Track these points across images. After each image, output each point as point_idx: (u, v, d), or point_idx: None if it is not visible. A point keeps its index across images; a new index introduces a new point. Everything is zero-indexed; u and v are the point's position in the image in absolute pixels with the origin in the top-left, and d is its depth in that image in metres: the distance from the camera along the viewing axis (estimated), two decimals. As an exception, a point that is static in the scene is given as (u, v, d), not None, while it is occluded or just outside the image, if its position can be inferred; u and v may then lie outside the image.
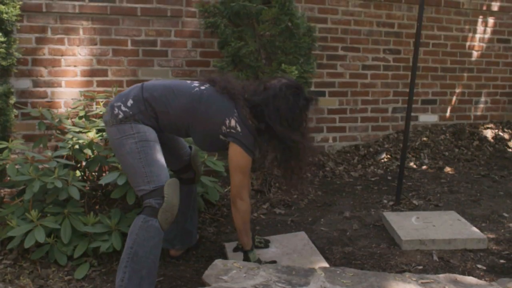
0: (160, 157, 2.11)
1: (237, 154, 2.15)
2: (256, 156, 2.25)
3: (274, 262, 2.38)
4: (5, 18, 3.34)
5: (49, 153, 2.89)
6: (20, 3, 3.56)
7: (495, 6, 5.17)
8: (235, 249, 2.59)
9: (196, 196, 2.70)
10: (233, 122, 2.13)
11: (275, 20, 3.51)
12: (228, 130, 2.15)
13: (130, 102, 2.15)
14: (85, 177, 3.11)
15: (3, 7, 3.31)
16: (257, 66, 3.58)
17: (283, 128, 2.16)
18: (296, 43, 3.54)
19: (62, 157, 2.98)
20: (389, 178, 4.16)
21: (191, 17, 4.01)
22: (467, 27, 5.08)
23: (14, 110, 3.51)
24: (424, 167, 4.42)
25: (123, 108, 2.14)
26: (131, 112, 2.13)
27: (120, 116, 2.12)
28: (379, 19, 4.68)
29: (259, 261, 2.30)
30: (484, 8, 5.14)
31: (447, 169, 4.38)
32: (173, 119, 2.17)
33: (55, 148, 3.20)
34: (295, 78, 3.54)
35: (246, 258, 2.31)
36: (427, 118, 5.04)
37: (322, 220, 3.23)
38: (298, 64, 3.52)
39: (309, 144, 2.30)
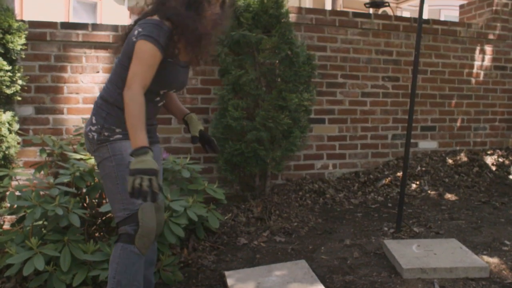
0: None
1: (140, 44, 1.90)
2: (163, 45, 1.93)
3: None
4: (11, 48, 3.41)
5: (51, 180, 2.91)
6: (26, 32, 3.63)
7: (491, 35, 5.26)
8: None
9: (156, 244, 2.42)
10: (139, 28, 1.95)
11: (275, 49, 3.57)
12: (136, 34, 1.95)
13: (93, 119, 2.08)
14: (85, 204, 3.12)
15: (9, 36, 3.38)
16: (257, 94, 3.62)
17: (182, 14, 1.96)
18: (296, 72, 3.60)
19: (63, 184, 3.00)
20: (390, 205, 4.15)
21: (192, 46, 4.06)
22: (464, 54, 5.15)
23: (16, 137, 3.54)
24: (424, 193, 4.42)
25: (92, 128, 2.06)
26: (99, 126, 2.04)
27: (95, 138, 2.04)
28: (377, 47, 4.75)
29: (141, 171, 1.75)
30: (481, 36, 5.22)
31: (448, 195, 4.37)
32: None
33: (56, 175, 3.21)
34: (294, 106, 3.59)
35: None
36: (427, 144, 5.06)
37: (322, 248, 3.22)
38: (298, 92, 3.56)
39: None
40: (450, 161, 4.96)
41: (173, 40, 1.96)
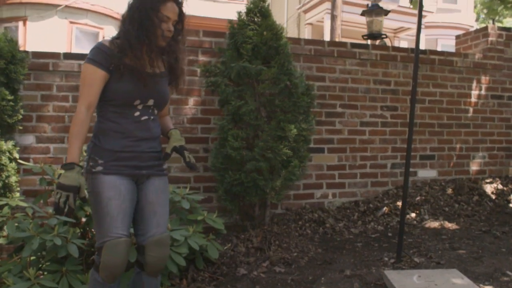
0: (112, 212, 2.02)
1: (82, 68, 2.10)
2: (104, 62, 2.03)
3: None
4: (14, 77, 3.46)
5: (50, 210, 2.90)
6: (29, 62, 3.69)
7: (487, 65, 5.34)
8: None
9: (160, 277, 2.31)
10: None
11: (274, 79, 3.62)
12: None
13: (87, 149, 2.17)
14: (84, 234, 3.10)
15: (12, 66, 3.43)
16: (257, 124, 3.65)
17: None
18: (295, 102, 3.63)
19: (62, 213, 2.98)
20: (390, 234, 4.13)
21: (192, 76, 4.12)
22: (461, 84, 5.22)
23: (17, 166, 3.55)
24: (424, 223, 4.40)
25: (84, 158, 2.15)
26: (87, 156, 2.11)
27: (84, 167, 2.10)
28: (375, 77, 4.81)
29: (65, 188, 1.86)
30: (477, 66, 5.29)
31: (448, 225, 4.36)
32: None
33: (55, 204, 3.21)
34: (294, 137, 3.62)
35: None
36: (426, 173, 5.07)
37: (322, 278, 3.19)
38: (297, 122, 3.59)
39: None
40: (449, 189, 4.96)
41: (125, 53, 2.05)
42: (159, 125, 2.28)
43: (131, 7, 2.10)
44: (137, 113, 2.12)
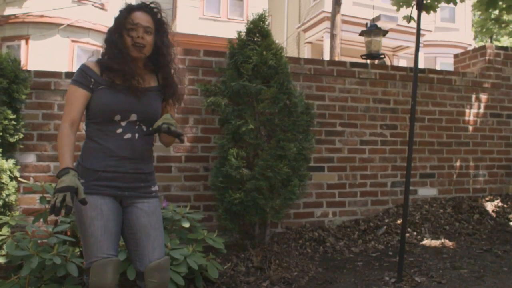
0: (96, 232, 2.01)
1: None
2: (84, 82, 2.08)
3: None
4: (16, 97, 3.48)
5: (49, 229, 2.90)
6: (31, 82, 3.72)
7: (486, 83, 5.38)
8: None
9: None
10: None
11: (274, 99, 3.65)
12: None
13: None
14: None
15: (15, 86, 3.46)
16: (257, 143, 3.66)
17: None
18: (294, 121, 3.65)
19: (61, 232, 2.99)
20: (390, 253, 4.12)
21: (193, 95, 4.15)
22: (460, 102, 5.25)
23: (17, 185, 3.55)
24: (425, 241, 4.39)
25: None
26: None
27: None
28: (375, 95, 4.85)
29: (61, 189, 1.83)
30: (476, 85, 5.33)
31: (449, 243, 4.34)
32: None
33: (55, 223, 3.21)
34: (293, 156, 3.62)
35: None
36: (426, 191, 5.07)
37: (323, 298, 3.17)
38: (297, 141, 3.61)
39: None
40: (450, 208, 4.95)
41: (104, 71, 2.11)
42: (150, 145, 2.21)
43: (108, 30, 2.19)
44: (119, 130, 2.08)
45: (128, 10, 2.14)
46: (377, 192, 4.80)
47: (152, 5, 2.18)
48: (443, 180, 5.13)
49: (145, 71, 2.19)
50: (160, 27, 2.19)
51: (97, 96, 2.08)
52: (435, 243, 4.36)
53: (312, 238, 4.25)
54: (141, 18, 2.12)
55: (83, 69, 2.12)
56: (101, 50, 2.18)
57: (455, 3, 4.95)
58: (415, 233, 4.53)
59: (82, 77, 2.09)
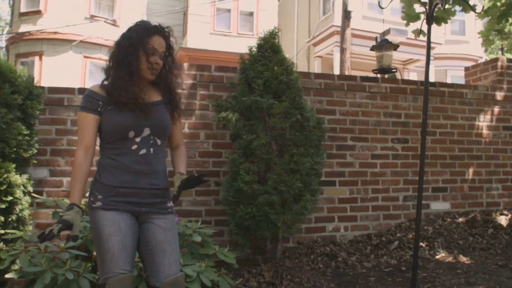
0: (113, 248, 2.03)
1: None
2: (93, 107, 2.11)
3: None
4: (30, 113, 3.53)
5: (61, 244, 2.92)
6: (45, 98, 3.77)
7: (498, 96, 5.35)
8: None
9: None
10: None
11: (285, 113, 3.66)
12: None
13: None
14: (96, 268, 3.10)
15: (29, 102, 3.51)
16: (268, 158, 3.67)
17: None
18: (306, 136, 3.66)
19: (74, 247, 3.00)
20: (403, 268, 4.07)
21: (204, 110, 4.18)
22: (472, 116, 5.22)
23: (30, 199, 3.58)
24: (438, 256, 4.34)
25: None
26: (89, 191, 2.14)
27: (87, 201, 2.14)
28: (386, 109, 4.84)
29: (58, 221, 1.95)
30: (488, 97, 5.30)
31: (463, 258, 4.29)
32: None
33: (67, 238, 3.22)
34: (306, 170, 3.62)
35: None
36: (439, 206, 5.02)
37: (335, 314, 3.14)
38: (309, 155, 3.61)
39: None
40: (463, 222, 4.89)
41: (112, 94, 2.12)
42: (164, 159, 2.24)
43: (114, 45, 2.19)
44: (134, 147, 2.11)
45: (148, 34, 2.15)
46: (389, 206, 4.77)
47: (166, 29, 2.22)
48: (456, 194, 5.09)
49: (148, 86, 2.22)
50: (169, 49, 2.23)
51: (107, 116, 2.11)
52: (449, 258, 4.30)
53: (324, 253, 4.22)
54: (160, 43, 2.16)
55: (89, 94, 2.15)
56: (106, 64, 2.20)
57: (472, 9, 4.75)
58: (428, 248, 4.47)
59: (89, 102, 2.13)
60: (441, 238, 4.60)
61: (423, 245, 4.48)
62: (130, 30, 2.18)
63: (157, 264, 2.11)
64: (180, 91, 2.35)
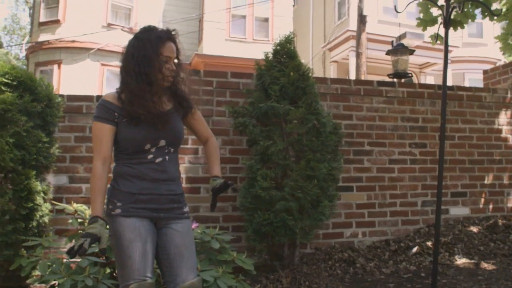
0: (134, 254, 2.04)
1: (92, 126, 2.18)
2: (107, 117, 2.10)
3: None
4: (49, 120, 3.58)
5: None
6: (64, 105, 3.83)
7: (517, 99, 5.27)
8: None
9: None
10: None
11: (302, 119, 3.65)
12: None
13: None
14: (115, 274, 3.12)
15: (48, 110, 3.56)
16: (285, 164, 3.66)
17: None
18: (323, 141, 3.65)
19: (93, 254, 3.03)
20: (423, 275, 4.02)
21: (220, 116, 4.19)
22: (491, 119, 5.14)
23: (50, 206, 3.63)
24: (458, 262, 4.27)
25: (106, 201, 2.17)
26: (107, 199, 2.14)
27: (105, 209, 2.12)
28: (403, 114, 4.80)
29: (85, 235, 1.94)
30: (507, 101, 5.22)
31: (484, 265, 4.21)
32: None
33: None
34: (323, 176, 3.61)
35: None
36: (458, 211, 4.95)
37: (354, 321, 3.11)
38: (326, 161, 3.60)
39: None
40: (484, 228, 4.81)
41: (131, 105, 2.09)
42: (178, 165, 2.26)
43: (127, 56, 2.17)
44: (150, 156, 2.12)
45: (161, 42, 2.14)
46: (407, 211, 4.72)
47: (173, 33, 2.21)
48: (476, 199, 5.01)
49: (162, 92, 2.22)
50: (178, 53, 2.23)
51: (123, 129, 2.11)
52: (469, 264, 4.23)
53: (341, 259, 4.19)
54: (172, 49, 2.16)
55: (104, 104, 2.13)
56: (121, 75, 2.17)
57: (493, 14, 4.59)
58: (447, 253, 4.41)
59: (105, 112, 2.11)
60: (461, 244, 4.54)
61: (443, 251, 4.42)
62: (139, 39, 2.15)
63: (175, 269, 2.12)
64: (193, 97, 2.32)
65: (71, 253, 1.87)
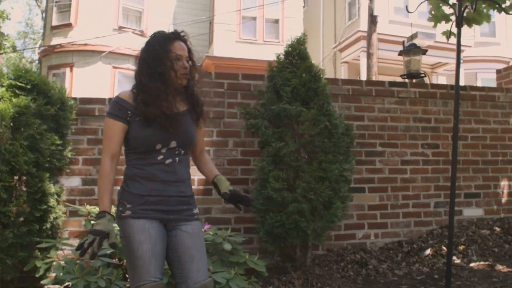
0: (144, 255, 2.05)
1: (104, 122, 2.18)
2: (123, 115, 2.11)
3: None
4: (63, 123, 3.62)
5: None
6: (77, 108, 3.86)
7: (532, 99, 5.20)
8: None
9: None
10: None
11: (314, 121, 3.64)
12: None
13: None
14: (127, 275, 3.14)
15: (61, 113, 3.60)
16: (297, 165, 3.66)
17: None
18: (335, 142, 3.64)
19: (106, 255, 3.05)
20: (436, 276, 3.98)
21: (232, 118, 4.20)
22: (505, 119, 5.09)
23: (63, 208, 3.67)
24: (472, 264, 4.23)
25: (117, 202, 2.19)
26: (118, 201, 2.16)
27: (115, 211, 2.15)
28: (415, 114, 4.77)
29: (93, 232, 1.96)
30: (521, 100, 5.17)
31: (499, 267, 4.16)
32: None
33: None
34: (335, 177, 3.60)
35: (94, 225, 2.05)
36: (472, 212, 4.90)
37: (367, 323, 3.09)
38: (338, 162, 3.58)
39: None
40: (498, 229, 4.76)
41: (147, 105, 2.10)
42: (188, 167, 2.26)
43: (139, 62, 2.18)
44: (160, 157, 2.13)
45: (169, 41, 2.16)
46: (420, 213, 4.68)
47: (182, 34, 2.23)
48: (490, 200, 4.96)
49: (177, 93, 2.23)
50: (190, 53, 2.24)
51: (135, 128, 2.12)
52: (484, 266, 4.19)
53: (354, 261, 4.17)
54: (181, 47, 2.18)
55: (118, 102, 2.14)
56: (136, 81, 2.17)
57: (505, 11, 4.55)
58: (461, 255, 4.37)
59: (118, 109, 2.13)
60: (475, 245, 4.49)
61: (456, 252, 4.38)
62: (149, 43, 2.19)
63: (186, 271, 2.13)
64: (205, 99, 2.33)
65: (82, 249, 1.90)
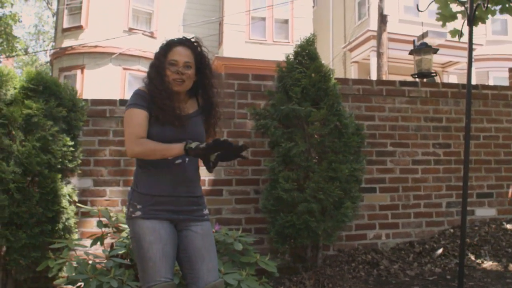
0: (155, 256, 2.06)
1: (125, 114, 2.17)
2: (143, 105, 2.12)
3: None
4: (74, 124, 3.64)
5: (106, 252, 2.99)
6: (88, 110, 3.89)
7: (545, 97, 5.14)
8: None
9: None
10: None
11: (324, 121, 3.64)
12: None
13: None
14: (139, 276, 3.15)
15: (73, 114, 3.63)
16: (307, 165, 3.65)
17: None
18: (345, 142, 3.63)
19: (117, 256, 3.07)
20: (448, 277, 3.95)
21: (242, 119, 4.20)
22: (518, 118, 5.04)
23: (75, 209, 3.69)
24: (485, 265, 4.19)
25: (127, 203, 2.21)
26: (128, 202, 2.18)
27: (125, 212, 2.19)
28: (426, 114, 4.73)
29: (197, 147, 1.98)
30: (534, 99, 5.10)
31: (512, 267, 4.12)
32: None
33: (112, 246, 3.30)
34: (345, 177, 3.58)
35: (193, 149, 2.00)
36: (484, 212, 4.86)
37: (379, 324, 3.08)
38: (348, 162, 3.57)
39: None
40: (511, 229, 4.71)
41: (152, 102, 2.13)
42: (198, 168, 2.26)
43: (150, 66, 2.23)
44: (170, 157, 2.13)
45: (168, 46, 2.19)
46: (431, 213, 4.65)
47: (192, 39, 2.23)
48: (503, 200, 4.91)
49: (185, 99, 2.25)
50: (202, 60, 2.23)
51: (150, 123, 2.14)
52: (497, 266, 4.15)
53: (365, 261, 4.15)
54: (181, 53, 2.18)
55: (140, 93, 2.16)
56: (144, 82, 2.22)
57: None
58: (474, 256, 4.33)
59: (142, 100, 2.14)
60: (488, 245, 4.45)
61: (469, 252, 4.34)
62: (157, 50, 2.24)
63: (197, 271, 2.13)
64: (218, 100, 2.34)
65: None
